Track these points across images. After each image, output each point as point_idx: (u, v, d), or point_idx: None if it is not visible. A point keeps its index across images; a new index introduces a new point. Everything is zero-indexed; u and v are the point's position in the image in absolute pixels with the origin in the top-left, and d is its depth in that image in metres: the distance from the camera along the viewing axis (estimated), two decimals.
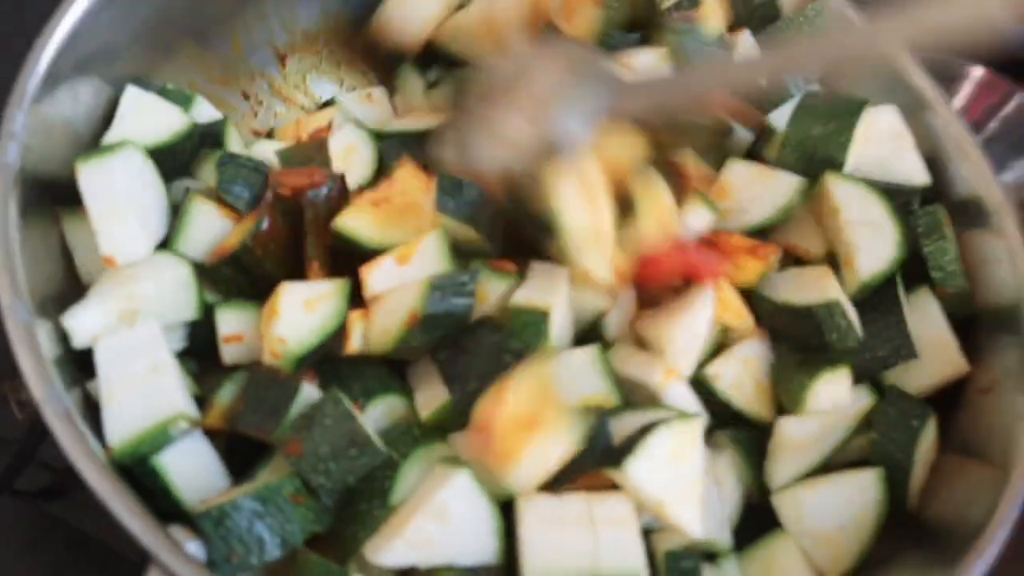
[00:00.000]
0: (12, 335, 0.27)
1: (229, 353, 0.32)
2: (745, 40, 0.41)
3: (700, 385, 0.33)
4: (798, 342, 0.34)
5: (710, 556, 0.32)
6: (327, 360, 0.31)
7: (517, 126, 0.34)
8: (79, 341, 0.29)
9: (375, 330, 0.30)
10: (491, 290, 0.32)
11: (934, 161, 0.39)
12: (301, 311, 0.30)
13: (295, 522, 0.27)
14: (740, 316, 0.33)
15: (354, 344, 0.31)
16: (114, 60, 0.34)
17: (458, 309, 0.30)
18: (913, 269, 0.36)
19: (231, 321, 0.32)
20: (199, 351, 0.32)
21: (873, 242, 0.34)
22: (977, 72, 0.63)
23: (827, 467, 0.33)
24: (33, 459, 0.36)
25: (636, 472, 0.28)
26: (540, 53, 0.38)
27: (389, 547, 0.27)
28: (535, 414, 0.28)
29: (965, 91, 0.63)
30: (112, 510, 0.25)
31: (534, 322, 0.31)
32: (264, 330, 0.30)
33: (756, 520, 0.33)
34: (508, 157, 0.34)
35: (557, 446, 0.28)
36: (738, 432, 0.33)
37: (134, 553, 0.29)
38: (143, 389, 0.28)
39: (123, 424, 0.28)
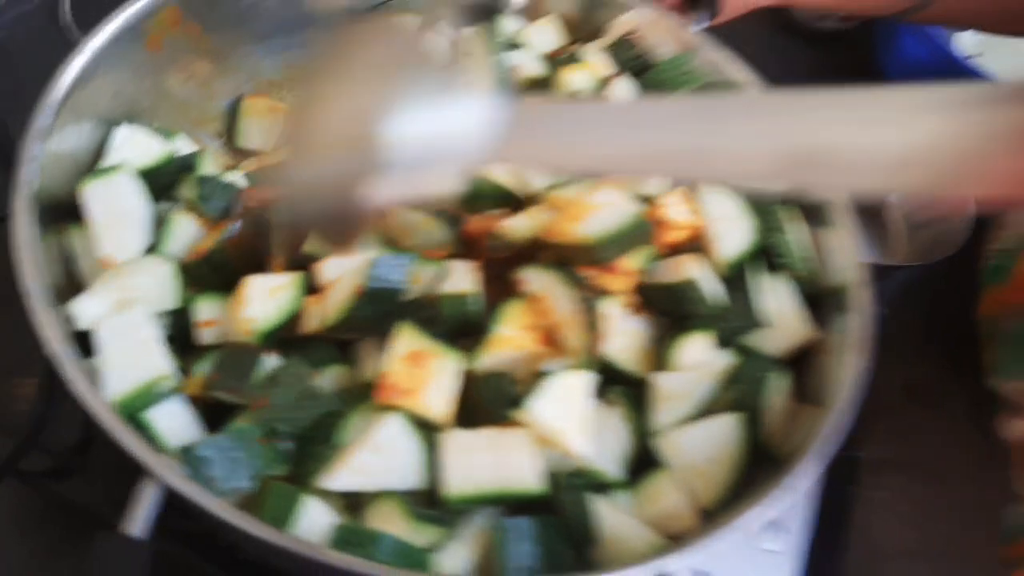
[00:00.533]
0: (36, 314, 0.34)
1: (205, 335, 0.39)
2: (621, 86, 0.50)
3: None
4: (671, 314, 0.42)
5: (604, 487, 0.39)
6: (287, 341, 0.39)
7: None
8: (83, 323, 0.36)
9: (328, 305, 0.38)
10: (423, 274, 0.39)
11: None
12: (266, 297, 0.38)
13: (261, 458, 0.34)
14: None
15: (311, 323, 0.38)
16: (110, 105, 0.42)
17: (394, 284, 0.37)
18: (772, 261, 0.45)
19: (206, 309, 0.39)
20: (179, 339, 0.40)
21: (729, 233, 0.43)
22: None
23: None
24: (36, 445, 0.43)
25: (537, 409, 0.36)
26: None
27: (336, 476, 0.34)
28: (418, 352, 0.36)
29: None
30: (120, 440, 0.32)
31: (455, 303, 0.38)
32: (234, 314, 0.38)
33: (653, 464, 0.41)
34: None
35: (448, 366, 0.36)
36: (627, 389, 0.41)
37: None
38: (135, 359, 0.35)
39: (119, 384, 0.35)
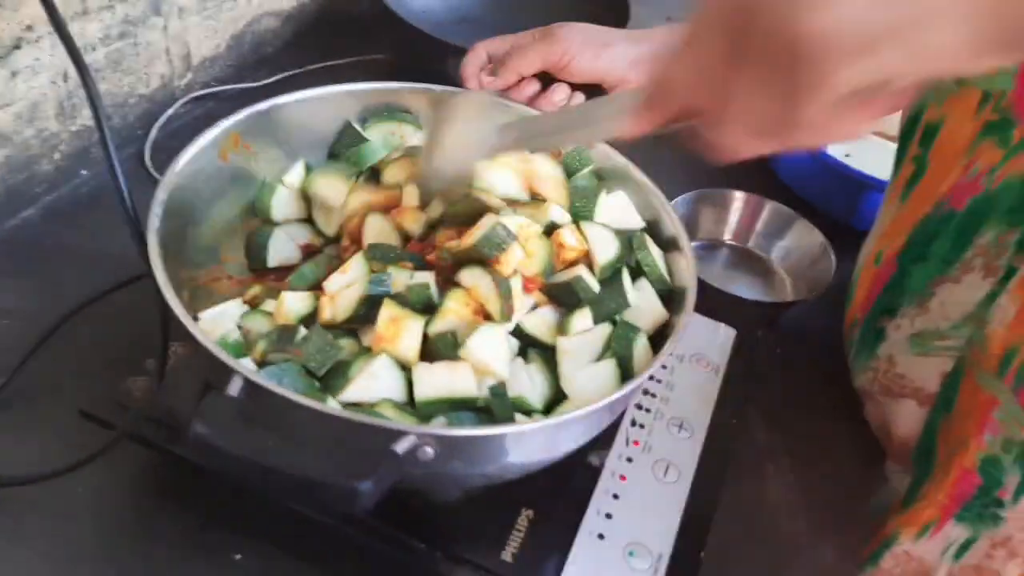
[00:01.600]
0: (172, 307, 0.54)
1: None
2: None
3: (517, 328, 0.61)
4: (566, 303, 0.62)
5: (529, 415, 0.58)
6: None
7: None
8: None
9: (338, 306, 0.59)
10: (400, 279, 0.60)
11: (651, 219, 0.69)
12: (296, 300, 0.59)
13: (302, 381, 0.54)
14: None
15: (324, 316, 0.59)
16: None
17: (384, 290, 0.58)
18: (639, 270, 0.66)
19: (258, 319, 0.60)
20: None
21: (604, 250, 0.64)
22: (739, 195, 0.96)
23: None
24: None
25: (472, 347, 0.55)
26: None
27: (349, 392, 0.53)
28: (396, 317, 0.56)
29: (737, 208, 0.96)
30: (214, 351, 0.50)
31: (420, 291, 0.59)
32: (280, 310, 0.59)
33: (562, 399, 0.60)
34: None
35: (414, 325, 0.56)
36: (542, 352, 0.61)
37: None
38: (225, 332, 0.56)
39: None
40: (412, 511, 0.59)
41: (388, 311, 0.56)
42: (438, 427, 0.52)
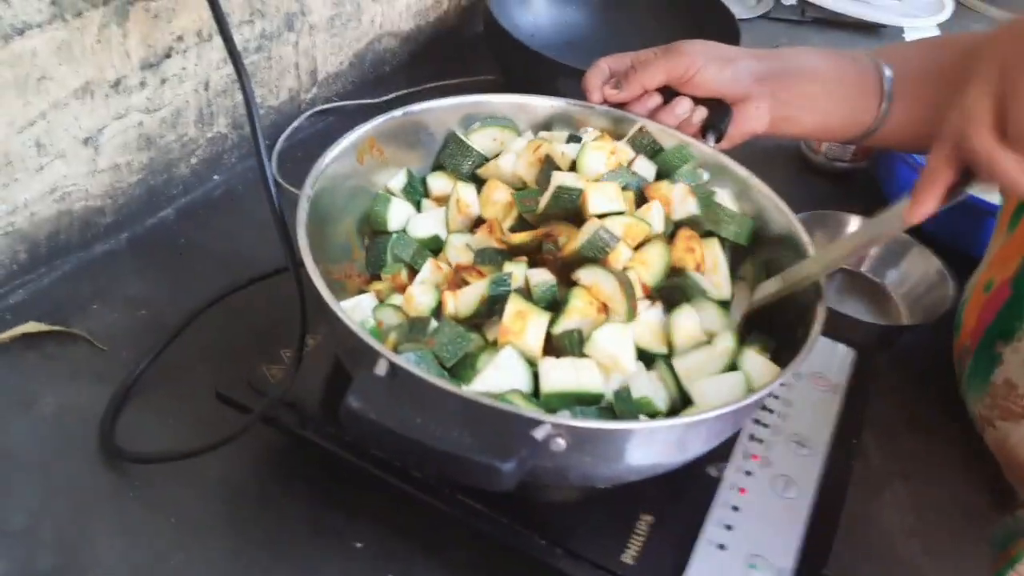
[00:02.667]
0: (322, 293, 0.56)
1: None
2: (640, 164, 0.70)
3: None
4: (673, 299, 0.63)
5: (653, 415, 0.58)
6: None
7: None
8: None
9: (461, 303, 0.60)
10: (518, 274, 0.61)
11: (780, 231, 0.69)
12: (424, 294, 0.61)
13: (435, 369, 0.55)
14: None
15: (449, 310, 0.60)
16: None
17: (504, 290, 0.59)
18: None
19: (388, 312, 0.62)
20: None
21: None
22: (855, 218, 0.95)
23: None
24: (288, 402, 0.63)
25: (599, 340, 0.56)
26: None
27: (475, 382, 0.55)
28: (522, 311, 0.57)
29: (850, 230, 0.95)
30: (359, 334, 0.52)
31: (546, 289, 0.60)
32: (410, 302, 0.61)
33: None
34: None
35: (539, 319, 0.57)
36: (664, 358, 0.61)
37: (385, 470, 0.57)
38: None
39: None
40: (534, 508, 0.59)
41: (514, 305, 0.57)
42: (572, 419, 0.52)
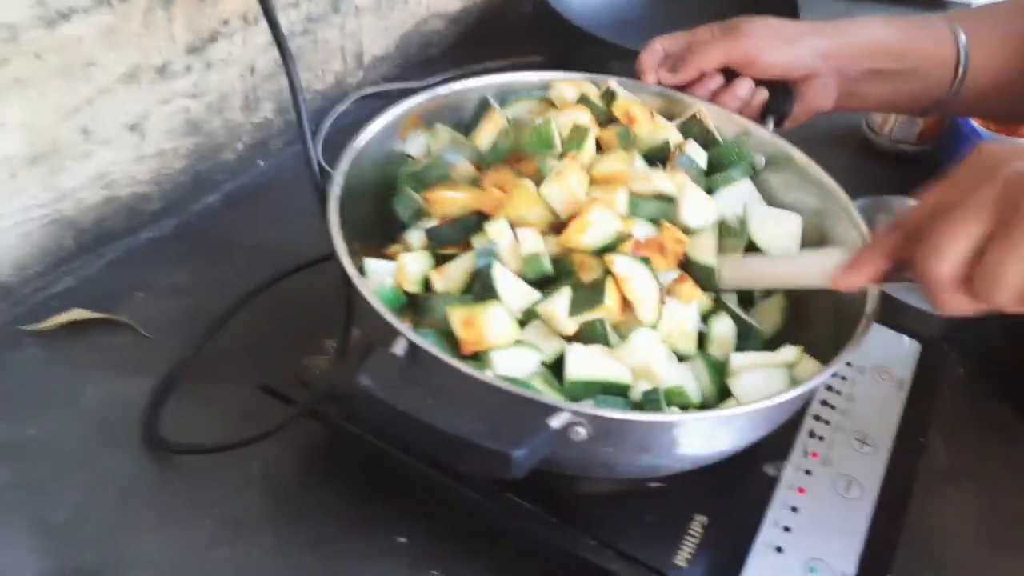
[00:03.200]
0: (352, 278, 0.55)
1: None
2: (692, 148, 0.66)
3: None
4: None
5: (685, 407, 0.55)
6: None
7: None
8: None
9: (450, 279, 0.57)
10: (504, 247, 0.57)
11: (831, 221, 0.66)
12: (414, 261, 0.58)
13: (450, 351, 0.53)
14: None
15: (439, 288, 0.57)
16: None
17: (487, 262, 0.56)
18: None
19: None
20: None
21: None
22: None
23: None
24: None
25: (636, 342, 0.54)
26: None
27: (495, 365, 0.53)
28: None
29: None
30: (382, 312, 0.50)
31: (534, 262, 0.58)
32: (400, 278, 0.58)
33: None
34: None
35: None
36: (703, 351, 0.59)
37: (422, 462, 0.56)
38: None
39: None
40: (583, 506, 0.57)
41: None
42: (593, 407, 0.50)
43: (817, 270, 0.54)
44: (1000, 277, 0.42)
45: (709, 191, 0.65)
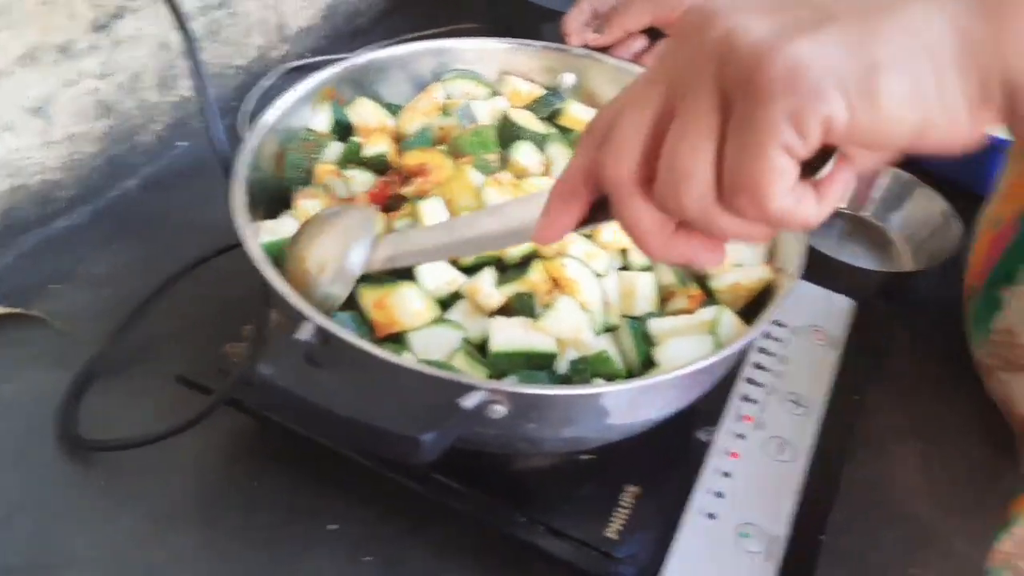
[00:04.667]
0: (257, 261, 0.53)
1: None
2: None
3: None
4: None
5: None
6: None
7: None
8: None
9: None
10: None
11: None
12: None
13: (365, 331, 0.52)
14: None
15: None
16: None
17: None
18: None
19: None
20: None
21: None
22: None
23: None
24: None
25: (562, 310, 0.53)
26: None
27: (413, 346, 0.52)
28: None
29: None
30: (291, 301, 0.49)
31: None
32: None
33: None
34: None
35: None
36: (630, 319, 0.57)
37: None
38: None
39: None
40: (512, 482, 0.56)
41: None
42: (510, 384, 0.49)
43: (515, 224, 0.46)
44: (675, 167, 0.31)
45: None
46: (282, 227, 0.57)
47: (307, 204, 0.56)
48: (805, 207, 0.31)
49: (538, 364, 0.53)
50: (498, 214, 0.48)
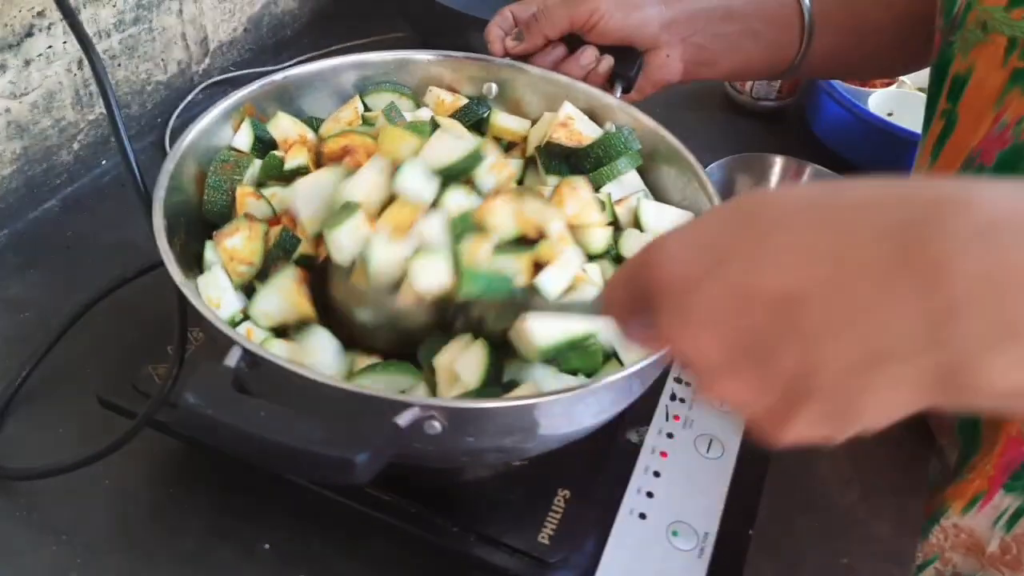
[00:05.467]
0: (182, 288, 0.52)
1: None
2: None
3: None
4: None
5: None
6: None
7: None
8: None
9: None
10: None
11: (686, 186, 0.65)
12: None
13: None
14: None
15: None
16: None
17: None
18: None
19: None
20: None
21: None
22: (779, 159, 0.92)
23: None
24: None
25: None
26: None
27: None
28: None
29: (776, 172, 0.92)
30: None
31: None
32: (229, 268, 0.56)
33: None
34: None
35: None
36: None
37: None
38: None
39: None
40: (444, 492, 0.56)
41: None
42: (445, 400, 0.49)
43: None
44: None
45: (596, 187, 0.64)
46: (213, 283, 0.55)
47: (231, 243, 0.55)
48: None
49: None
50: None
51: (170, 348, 0.60)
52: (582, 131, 0.66)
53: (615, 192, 0.64)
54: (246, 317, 0.54)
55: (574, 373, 0.54)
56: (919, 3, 0.69)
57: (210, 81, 0.96)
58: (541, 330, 0.51)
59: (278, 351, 0.52)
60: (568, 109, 0.67)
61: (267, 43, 1.04)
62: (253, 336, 0.53)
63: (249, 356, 0.46)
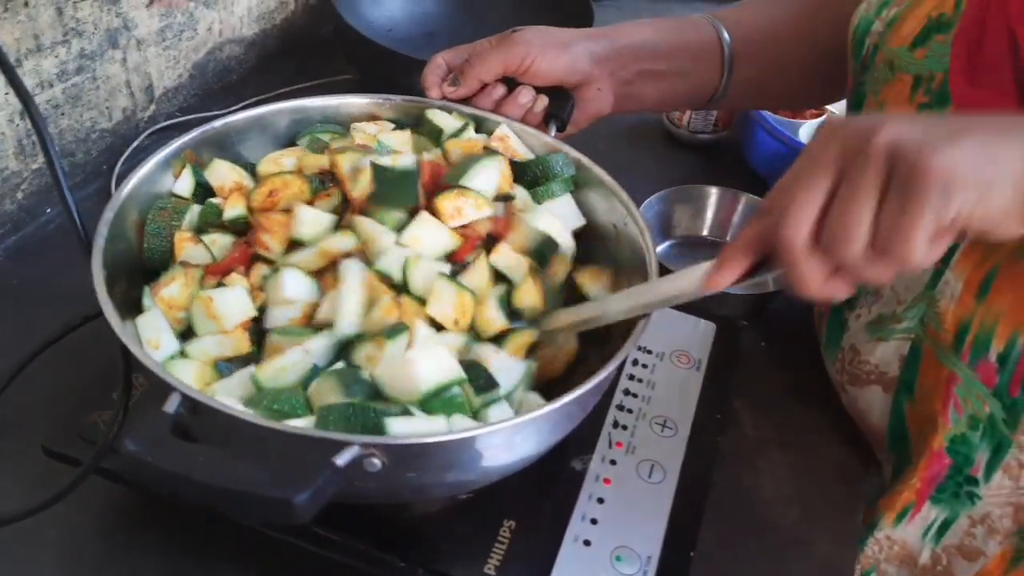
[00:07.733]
0: (119, 334, 0.53)
1: None
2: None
3: None
4: None
5: None
6: None
7: None
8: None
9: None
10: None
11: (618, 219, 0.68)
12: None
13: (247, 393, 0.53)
14: None
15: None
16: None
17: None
18: None
19: None
20: None
21: None
22: (714, 190, 0.95)
23: None
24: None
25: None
26: None
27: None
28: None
29: (712, 203, 0.95)
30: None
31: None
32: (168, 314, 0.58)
33: None
34: None
35: None
36: None
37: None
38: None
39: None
40: (391, 527, 0.57)
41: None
42: (383, 438, 0.49)
43: (693, 281, 0.53)
44: (845, 228, 0.42)
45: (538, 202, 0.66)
46: (152, 324, 0.56)
47: (167, 292, 0.56)
48: (930, 258, 0.42)
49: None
50: (669, 281, 0.56)
51: (115, 395, 0.60)
52: (516, 149, 0.69)
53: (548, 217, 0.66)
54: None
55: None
56: (837, 39, 0.72)
57: (157, 127, 0.97)
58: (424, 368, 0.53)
59: (222, 392, 0.53)
60: (505, 129, 0.70)
61: (213, 88, 1.05)
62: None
63: (188, 401, 0.47)
